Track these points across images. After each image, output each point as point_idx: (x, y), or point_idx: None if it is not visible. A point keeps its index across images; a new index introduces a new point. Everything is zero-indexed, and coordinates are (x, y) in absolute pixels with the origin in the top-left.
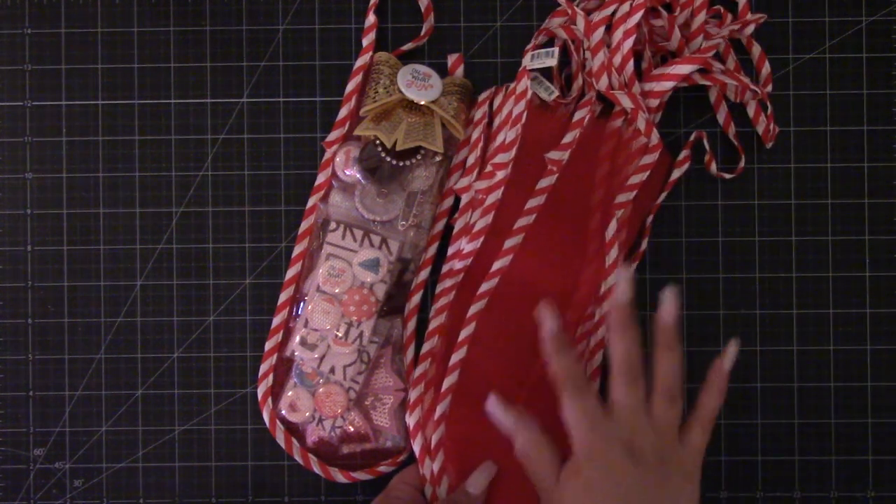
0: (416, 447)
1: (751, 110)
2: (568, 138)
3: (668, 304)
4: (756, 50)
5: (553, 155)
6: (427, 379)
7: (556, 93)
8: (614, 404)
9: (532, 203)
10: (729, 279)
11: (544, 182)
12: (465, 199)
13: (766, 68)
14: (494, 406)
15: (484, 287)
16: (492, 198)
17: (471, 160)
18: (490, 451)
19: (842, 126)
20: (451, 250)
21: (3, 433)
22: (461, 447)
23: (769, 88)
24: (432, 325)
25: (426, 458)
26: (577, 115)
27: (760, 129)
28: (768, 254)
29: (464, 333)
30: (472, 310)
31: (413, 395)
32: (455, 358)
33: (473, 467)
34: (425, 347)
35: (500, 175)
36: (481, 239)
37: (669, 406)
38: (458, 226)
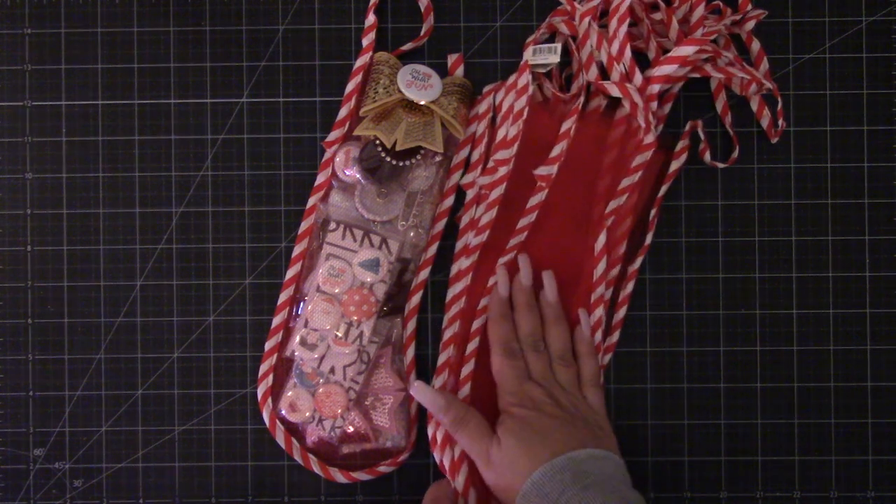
0: (447, 461)
1: (754, 105)
2: (556, 151)
3: (549, 285)
4: (755, 46)
5: (541, 171)
6: (447, 390)
7: (558, 59)
8: (529, 370)
9: (534, 201)
10: (729, 279)
11: (534, 200)
12: (469, 194)
13: (764, 65)
14: (418, 390)
15: (491, 281)
16: (496, 192)
17: (475, 156)
18: None
19: (842, 126)
20: (458, 246)
21: (3, 433)
22: None
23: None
24: (446, 335)
25: (457, 471)
26: (564, 126)
27: (765, 122)
28: (768, 254)
29: (471, 346)
30: (476, 324)
31: None
32: (465, 371)
33: None
34: (441, 358)
35: (503, 171)
36: (487, 233)
37: (565, 368)
38: (463, 221)
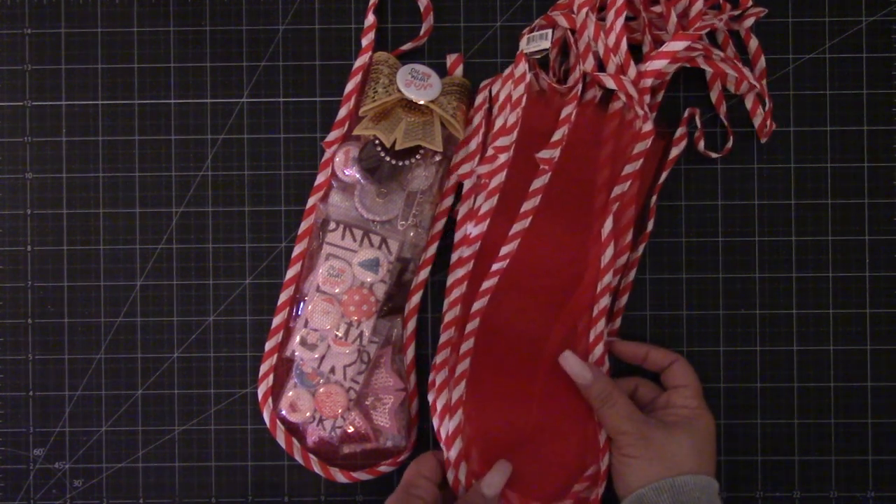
0: (444, 431)
1: (749, 102)
2: (557, 135)
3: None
4: (753, 44)
5: (544, 154)
6: (449, 365)
7: (549, 44)
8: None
9: (537, 184)
10: (729, 279)
11: (538, 183)
12: (467, 185)
13: (761, 63)
14: (567, 359)
15: (495, 266)
16: (496, 180)
17: (472, 145)
18: (509, 438)
19: (842, 126)
20: (457, 237)
21: (3, 433)
22: (481, 433)
23: (763, 83)
24: (447, 317)
25: (453, 442)
26: (564, 112)
27: (757, 122)
28: (768, 254)
29: (470, 326)
30: (476, 306)
31: (438, 378)
32: (464, 347)
33: (495, 451)
34: (443, 338)
35: (503, 158)
36: (487, 221)
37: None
38: (461, 212)
